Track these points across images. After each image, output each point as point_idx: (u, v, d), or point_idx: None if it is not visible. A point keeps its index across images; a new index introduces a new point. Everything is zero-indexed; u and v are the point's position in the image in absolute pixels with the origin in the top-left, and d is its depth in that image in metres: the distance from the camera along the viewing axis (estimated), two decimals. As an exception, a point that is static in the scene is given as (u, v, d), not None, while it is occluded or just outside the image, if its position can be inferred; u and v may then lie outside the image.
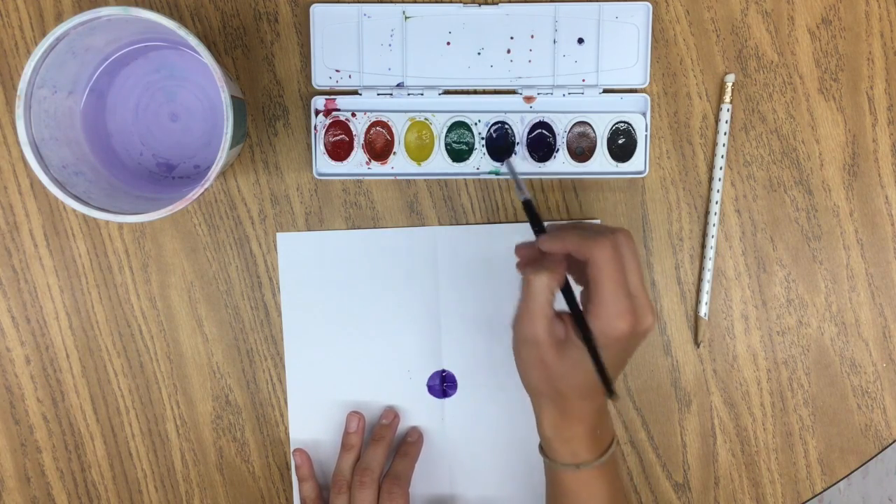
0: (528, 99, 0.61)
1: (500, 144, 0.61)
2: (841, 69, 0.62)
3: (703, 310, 0.62)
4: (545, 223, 0.50)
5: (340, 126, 0.60)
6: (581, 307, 0.48)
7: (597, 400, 0.50)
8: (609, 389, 0.47)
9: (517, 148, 0.60)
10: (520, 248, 0.52)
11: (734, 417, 0.63)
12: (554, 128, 0.60)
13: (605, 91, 0.61)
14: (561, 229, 0.49)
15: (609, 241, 0.46)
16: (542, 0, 0.60)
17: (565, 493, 0.52)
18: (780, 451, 0.64)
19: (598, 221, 0.62)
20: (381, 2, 0.60)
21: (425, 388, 0.63)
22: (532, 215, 0.50)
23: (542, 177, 0.61)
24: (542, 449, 0.53)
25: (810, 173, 0.62)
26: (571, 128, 0.61)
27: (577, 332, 0.47)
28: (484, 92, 0.61)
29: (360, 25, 0.60)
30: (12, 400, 0.62)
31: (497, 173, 0.61)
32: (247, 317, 0.62)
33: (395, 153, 0.60)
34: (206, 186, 0.49)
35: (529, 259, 0.51)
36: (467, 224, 0.62)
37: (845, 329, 0.63)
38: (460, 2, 0.60)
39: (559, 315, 0.49)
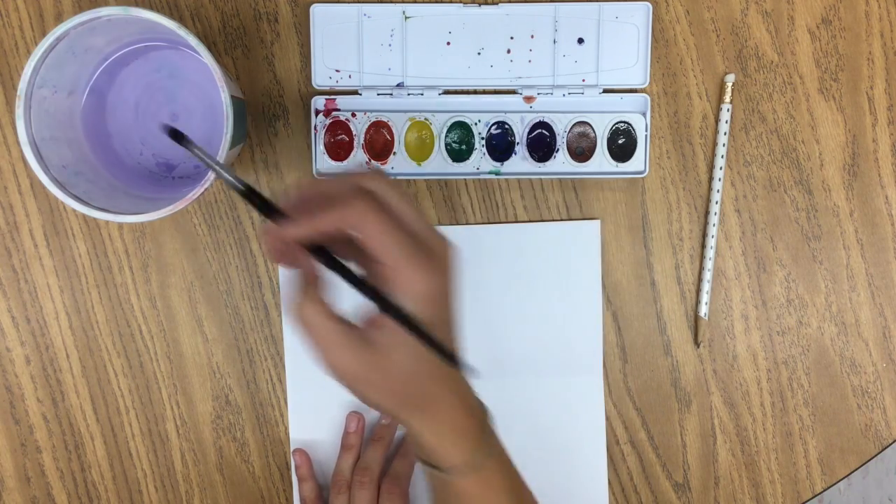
0: (528, 99, 0.61)
1: (500, 144, 0.61)
2: (841, 69, 0.62)
3: (703, 310, 0.62)
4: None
5: (340, 126, 0.60)
6: (372, 284, 0.39)
7: (458, 385, 0.44)
8: (451, 359, 0.39)
9: (517, 148, 0.60)
10: (267, 235, 0.39)
11: (734, 417, 0.63)
12: (554, 128, 0.60)
13: (605, 91, 0.61)
14: (300, 204, 0.39)
15: (358, 194, 0.37)
16: (542, 0, 0.60)
17: (461, 499, 0.45)
18: (780, 451, 0.64)
19: (597, 221, 0.62)
20: (381, 2, 0.60)
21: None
22: (259, 201, 0.39)
23: (542, 177, 0.61)
24: (428, 465, 0.45)
25: (810, 173, 0.62)
26: (571, 128, 0.61)
27: (384, 314, 0.39)
28: (484, 92, 0.61)
29: (360, 25, 0.60)
30: (12, 400, 0.62)
31: (497, 173, 0.61)
32: (247, 317, 0.62)
33: (395, 153, 0.60)
34: (206, 186, 0.49)
35: (281, 252, 0.40)
36: (467, 224, 0.62)
37: (845, 329, 0.63)
38: (460, 2, 0.60)
39: (348, 322, 0.40)
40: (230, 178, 0.39)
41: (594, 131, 0.61)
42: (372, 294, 0.38)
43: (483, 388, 0.63)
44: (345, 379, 0.41)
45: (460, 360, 0.38)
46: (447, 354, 0.38)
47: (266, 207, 0.39)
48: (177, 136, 0.39)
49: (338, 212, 0.37)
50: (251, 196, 0.39)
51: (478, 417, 0.45)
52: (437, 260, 0.39)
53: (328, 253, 0.39)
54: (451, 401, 0.43)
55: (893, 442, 0.64)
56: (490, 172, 0.61)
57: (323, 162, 0.60)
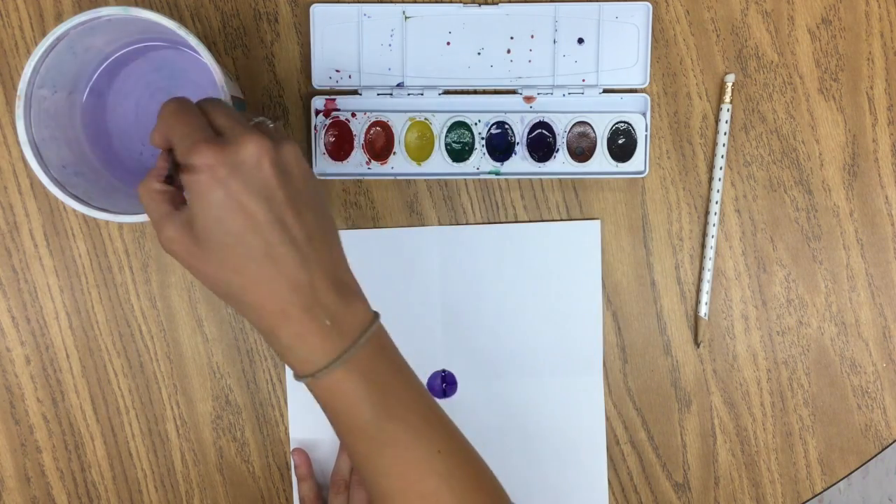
0: (528, 99, 0.61)
1: (500, 144, 0.61)
2: (841, 69, 0.62)
3: (703, 310, 0.62)
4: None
5: (340, 126, 0.60)
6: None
7: (288, 273, 0.40)
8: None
9: (517, 148, 0.60)
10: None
11: (734, 417, 0.63)
12: (554, 128, 0.60)
13: (605, 91, 0.61)
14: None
15: (163, 110, 0.41)
16: (542, 0, 0.60)
17: (333, 408, 0.43)
18: (780, 451, 0.64)
19: (597, 221, 0.62)
20: (381, 2, 0.60)
21: (425, 388, 0.63)
22: None
23: (542, 177, 0.61)
24: (298, 375, 0.43)
25: (810, 173, 0.62)
26: (571, 128, 0.61)
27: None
28: (484, 92, 0.61)
29: (360, 25, 0.60)
30: (12, 400, 0.62)
31: (497, 173, 0.61)
32: (247, 317, 0.62)
33: (394, 153, 0.60)
34: (206, 186, 0.49)
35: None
36: (467, 224, 0.62)
37: (845, 329, 0.63)
38: (460, 2, 0.60)
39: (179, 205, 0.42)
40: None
41: (594, 131, 0.61)
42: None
43: (483, 389, 0.63)
44: (177, 258, 0.41)
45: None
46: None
47: None
48: None
49: (159, 126, 0.41)
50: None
51: (338, 323, 0.41)
52: (227, 149, 0.39)
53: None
54: (280, 290, 0.40)
55: (893, 442, 0.64)
56: (490, 172, 0.61)
57: (323, 162, 0.60)
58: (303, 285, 0.40)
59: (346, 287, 0.43)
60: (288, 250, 0.40)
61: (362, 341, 0.42)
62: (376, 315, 0.44)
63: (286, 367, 0.62)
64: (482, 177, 0.61)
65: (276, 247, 0.40)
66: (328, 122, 0.60)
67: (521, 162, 0.61)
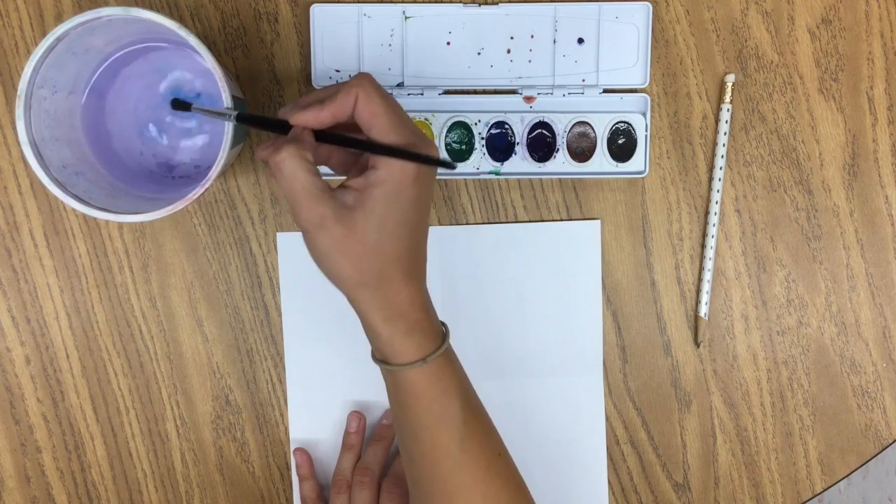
0: (528, 99, 0.61)
1: (500, 144, 0.61)
2: (841, 69, 0.62)
3: (703, 310, 0.62)
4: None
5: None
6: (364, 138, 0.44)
7: (419, 271, 0.45)
8: (443, 163, 0.42)
9: (517, 148, 0.60)
10: (263, 149, 0.44)
11: (734, 417, 0.63)
12: (554, 128, 0.60)
13: (605, 91, 0.61)
14: (306, 101, 0.45)
15: (361, 79, 0.43)
16: (542, 0, 0.60)
17: (415, 396, 0.45)
18: (780, 451, 0.64)
19: (598, 221, 0.62)
20: (381, 2, 0.60)
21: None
22: (255, 120, 0.46)
23: (542, 177, 0.61)
24: (378, 359, 0.46)
25: (810, 173, 0.62)
26: (571, 128, 0.61)
27: (374, 172, 0.42)
28: (484, 92, 0.61)
29: (360, 25, 0.60)
30: (12, 400, 0.62)
31: (497, 173, 0.61)
32: (247, 317, 0.62)
33: (395, 153, 0.60)
34: (206, 186, 0.49)
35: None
36: (467, 224, 0.62)
37: (845, 329, 0.63)
38: (460, 2, 0.60)
39: (333, 188, 0.43)
40: (222, 111, 0.46)
41: (594, 131, 0.61)
42: (364, 143, 0.43)
43: (483, 389, 0.63)
44: (316, 237, 0.42)
45: (448, 160, 0.42)
46: (443, 162, 0.42)
47: (263, 122, 0.44)
48: (182, 105, 0.50)
49: (343, 95, 0.42)
50: (244, 118, 0.45)
51: (433, 322, 0.45)
52: (427, 146, 0.43)
53: (324, 133, 0.44)
54: (409, 291, 0.44)
55: (893, 442, 0.64)
56: (490, 172, 0.61)
57: (323, 162, 0.60)
58: (423, 279, 0.45)
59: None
60: (424, 252, 0.45)
61: (448, 339, 0.46)
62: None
63: (286, 367, 0.62)
64: (482, 177, 0.61)
65: (420, 249, 0.44)
66: (328, 122, 0.60)
67: (521, 162, 0.61)
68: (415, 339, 0.44)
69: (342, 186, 0.43)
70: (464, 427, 0.46)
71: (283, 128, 0.44)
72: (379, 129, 0.43)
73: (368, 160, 0.44)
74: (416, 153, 0.42)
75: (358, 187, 0.43)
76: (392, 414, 0.49)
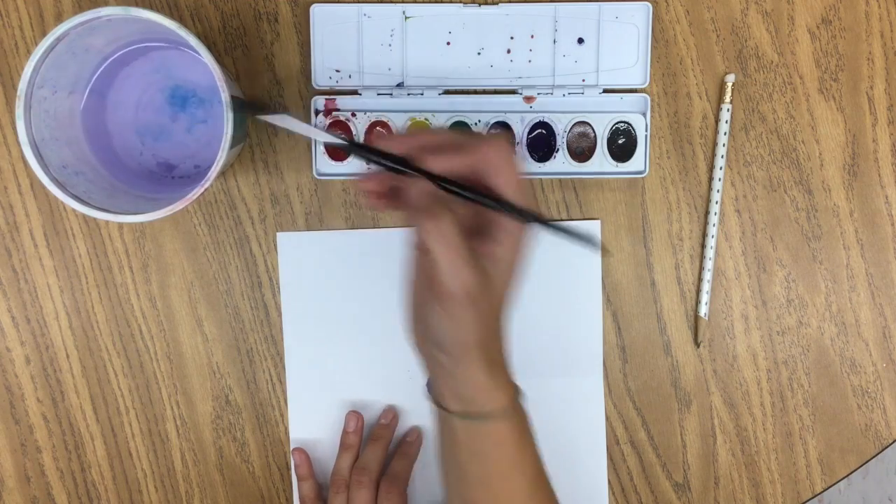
0: (528, 99, 0.61)
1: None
2: (841, 69, 0.62)
3: (703, 310, 0.62)
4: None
5: (340, 126, 0.60)
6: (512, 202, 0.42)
7: (504, 323, 0.45)
8: (594, 242, 0.43)
9: (517, 148, 0.60)
10: (367, 181, 0.42)
11: (734, 417, 0.63)
12: (554, 128, 0.60)
13: (605, 91, 0.61)
14: (435, 141, 0.43)
15: (493, 143, 0.41)
16: (542, 0, 0.60)
17: (498, 443, 0.45)
18: (780, 451, 0.64)
19: (598, 221, 0.62)
20: (381, 2, 0.60)
21: (425, 388, 0.63)
22: (374, 153, 0.42)
23: (542, 177, 0.61)
24: (459, 412, 0.45)
25: (810, 173, 0.62)
26: (571, 128, 0.61)
27: (494, 238, 0.42)
28: (484, 92, 0.61)
29: (360, 25, 0.60)
30: (12, 400, 0.62)
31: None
32: (247, 317, 0.62)
33: (395, 153, 0.60)
34: (206, 186, 0.49)
35: (379, 195, 0.43)
36: (467, 224, 0.62)
37: (845, 329, 0.63)
38: (460, 2, 0.60)
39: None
40: (337, 139, 0.43)
41: (594, 131, 0.61)
42: (510, 207, 0.42)
43: (483, 388, 0.63)
44: (459, 299, 0.41)
45: (596, 240, 0.40)
46: (582, 236, 0.42)
47: (388, 157, 0.41)
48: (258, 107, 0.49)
49: (476, 153, 0.41)
50: (368, 151, 0.42)
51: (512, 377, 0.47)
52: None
53: (454, 182, 0.42)
54: (506, 349, 0.46)
55: (893, 442, 0.64)
56: (490, 172, 0.61)
57: (323, 162, 0.60)
58: (503, 336, 0.45)
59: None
60: (508, 303, 0.45)
61: (523, 394, 0.47)
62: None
63: (286, 367, 0.62)
64: (482, 177, 0.61)
65: (508, 308, 0.45)
66: (328, 122, 0.60)
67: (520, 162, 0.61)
68: (508, 387, 0.45)
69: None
70: (537, 473, 0.48)
71: (399, 162, 0.41)
72: (513, 196, 0.42)
73: (488, 220, 0.42)
74: (566, 231, 0.42)
75: (488, 253, 0.42)
76: (449, 464, 0.48)
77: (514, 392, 0.46)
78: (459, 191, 0.41)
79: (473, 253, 0.41)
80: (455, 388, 0.45)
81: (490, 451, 0.46)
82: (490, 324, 0.43)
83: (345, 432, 0.62)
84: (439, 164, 0.41)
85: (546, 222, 0.42)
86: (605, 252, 0.41)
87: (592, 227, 0.62)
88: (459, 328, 0.42)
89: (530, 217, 0.42)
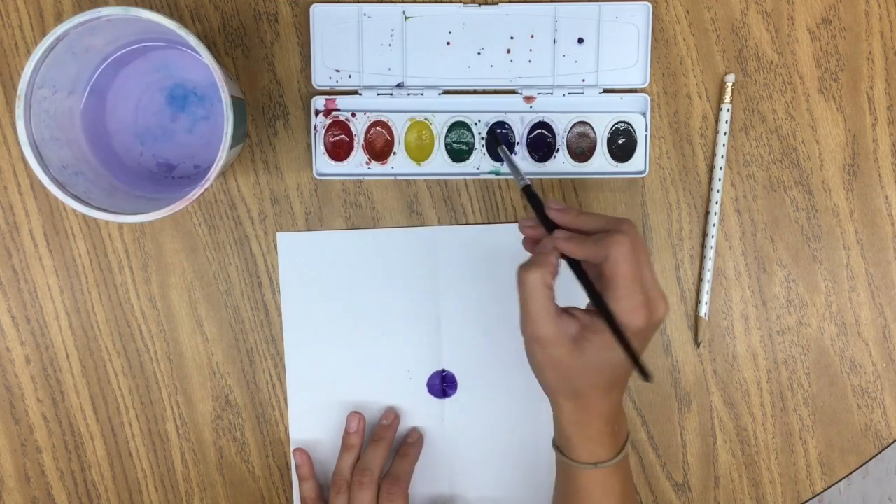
0: (528, 99, 0.61)
1: (492, 135, 0.61)
2: (841, 69, 0.62)
3: (703, 310, 0.62)
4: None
5: (340, 126, 0.60)
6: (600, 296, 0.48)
7: (615, 395, 0.50)
8: (644, 373, 0.45)
9: (517, 148, 0.60)
10: (526, 228, 0.52)
11: (734, 417, 0.63)
12: (554, 128, 0.60)
13: (605, 91, 0.61)
14: (573, 222, 0.50)
15: (626, 237, 0.46)
16: (542, 0, 0.60)
17: (579, 492, 0.51)
18: (780, 451, 0.64)
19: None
20: (381, 2, 0.60)
21: (425, 388, 0.63)
22: (535, 203, 0.51)
23: (542, 177, 0.61)
24: (557, 447, 0.52)
25: (810, 173, 0.62)
26: (571, 128, 0.61)
27: (600, 321, 0.47)
28: (484, 92, 0.61)
29: (360, 25, 0.60)
30: (12, 400, 0.62)
31: (497, 173, 0.61)
32: (247, 317, 0.62)
33: (395, 153, 0.60)
34: (206, 186, 0.49)
35: (533, 242, 0.52)
36: (467, 224, 0.62)
37: (845, 329, 0.63)
38: (460, 2, 0.60)
39: (567, 310, 0.49)
40: (526, 180, 0.52)
41: (594, 131, 0.61)
42: (605, 310, 0.46)
43: (483, 388, 0.63)
44: (535, 347, 0.48)
45: (650, 373, 0.44)
46: (643, 371, 0.45)
47: (539, 209, 0.50)
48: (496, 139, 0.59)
49: (603, 243, 0.46)
50: (531, 195, 0.51)
51: (622, 437, 0.52)
52: (651, 314, 0.47)
53: (575, 261, 0.48)
54: (598, 406, 0.49)
55: (893, 442, 0.64)
56: (490, 172, 0.61)
57: (323, 162, 0.60)
58: (618, 402, 0.51)
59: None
60: (626, 381, 0.50)
61: (628, 447, 0.52)
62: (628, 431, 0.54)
63: (286, 367, 0.62)
64: (482, 177, 0.61)
65: (624, 378, 0.50)
66: (328, 122, 0.60)
67: (521, 162, 0.61)
68: (591, 445, 0.50)
69: (569, 312, 0.48)
70: None
71: (547, 223, 0.50)
72: (622, 291, 0.46)
73: (604, 294, 0.47)
74: (633, 354, 0.45)
75: (582, 323, 0.48)
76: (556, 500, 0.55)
77: (606, 449, 0.51)
78: (576, 275, 0.48)
79: (556, 311, 0.48)
80: (556, 427, 0.52)
81: (572, 495, 0.52)
82: (571, 382, 0.48)
83: (346, 433, 0.62)
84: (565, 247, 0.48)
85: (625, 342, 0.45)
86: (648, 379, 0.46)
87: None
88: (539, 371, 0.50)
89: (616, 331, 0.46)
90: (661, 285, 0.62)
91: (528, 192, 0.51)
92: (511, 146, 0.60)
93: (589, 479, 0.51)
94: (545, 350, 0.48)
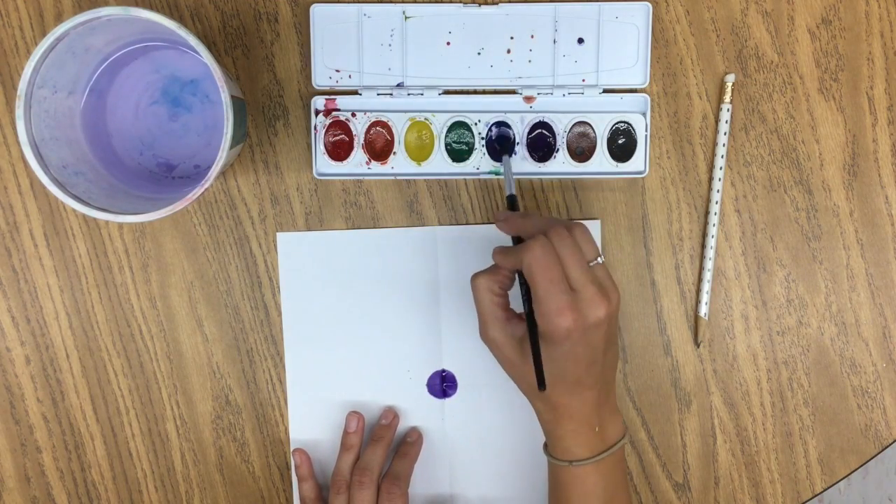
0: (528, 99, 0.61)
1: (500, 144, 0.61)
2: (841, 69, 0.62)
3: (703, 310, 0.62)
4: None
5: (340, 126, 0.60)
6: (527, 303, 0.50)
7: (585, 395, 0.50)
8: (539, 381, 0.47)
9: (517, 148, 0.60)
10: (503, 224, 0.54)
11: (734, 417, 0.63)
12: (554, 128, 0.60)
13: (605, 91, 0.61)
14: (516, 230, 0.52)
15: (536, 242, 0.47)
16: (542, 0, 0.60)
17: (559, 488, 0.53)
18: (780, 451, 0.64)
19: (598, 221, 0.62)
20: (381, 2, 0.60)
21: (425, 388, 0.63)
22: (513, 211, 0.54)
23: (542, 177, 0.61)
24: (558, 459, 0.53)
25: (810, 173, 0.62)
26: (571, 128, 0.61)
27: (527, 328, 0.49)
28: (484, 92, 0.61)
29: (360, 25, 0.60)
30: (12, 400, 0.62)
31: (497, 173, 0.61)
32: (247, 317, 0.62)
33: (395, 153, 0.60)
34: (206, 186, 0.49)
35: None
36: (467, 224, 0.62)
37: (845, 329, 0.63)
38: (460, 2, 0.60)
39: (518, 315, 0.51)
40: (512, 191, 0.55)
41: (594, 131, 0.61)
42: (529, 319, 0.49)
43: (483, 388, 0.63)
44: (491, 349, 0.52)
45: (543, 386, 0.47)
46: (540, 379, 0.47)
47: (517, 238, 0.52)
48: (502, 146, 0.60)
49: (517, 254, 0.48)
50: (513, 209, 0.54)
51: (609, 437, 0.52)
52: (581, 316, 0.48)
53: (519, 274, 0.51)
54: (570, 409, 0.50)
55: (893, 442, 0.64)
56: (490, 172, 0.61)
57: (323, 162, 0.60)
58: (591, 402, 0.51)
59: (613, 405, 0.53)
60: (595, 381, 0.50)
61: (614, 449, 0.52)
62: (626, 431, 0.54)
63: (286, 367, 0.62)
64: (482, 177, 0.61)
65: (586, 378, 0.50)
66: (328, 122, 0.60)
67: (521, 162, 0.61)
68: (565, 444, 0.51)
69: (519, 316, 0.52)
70: None
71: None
72: (537, 291, 0.48)
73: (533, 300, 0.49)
74: (537, 362, 0.48)
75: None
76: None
77: (587, 450, 0.52)
78: (520, 283, 0.50)
79: (504, 315, 0.51)
80: (554, 432, 0.53)
81: (570, 491, 0.52)
82: (531, 381, 0.49)
83: (346, 433, 0.62)
84: (498, 259, 0.51)
85: (535, 342, 0.48)
86: (540, 388, 0.48)
87: (592, 228, 0.62)
88: (507, 370, 0.52)
89: (531, 325, 0.48)
90: (661, 285, 0.63)
91: (510, 201, 0.54)
92: (512, 146, 0.60)
93: (567, 476, 0.52)
94: (499, 351, 0.51)
